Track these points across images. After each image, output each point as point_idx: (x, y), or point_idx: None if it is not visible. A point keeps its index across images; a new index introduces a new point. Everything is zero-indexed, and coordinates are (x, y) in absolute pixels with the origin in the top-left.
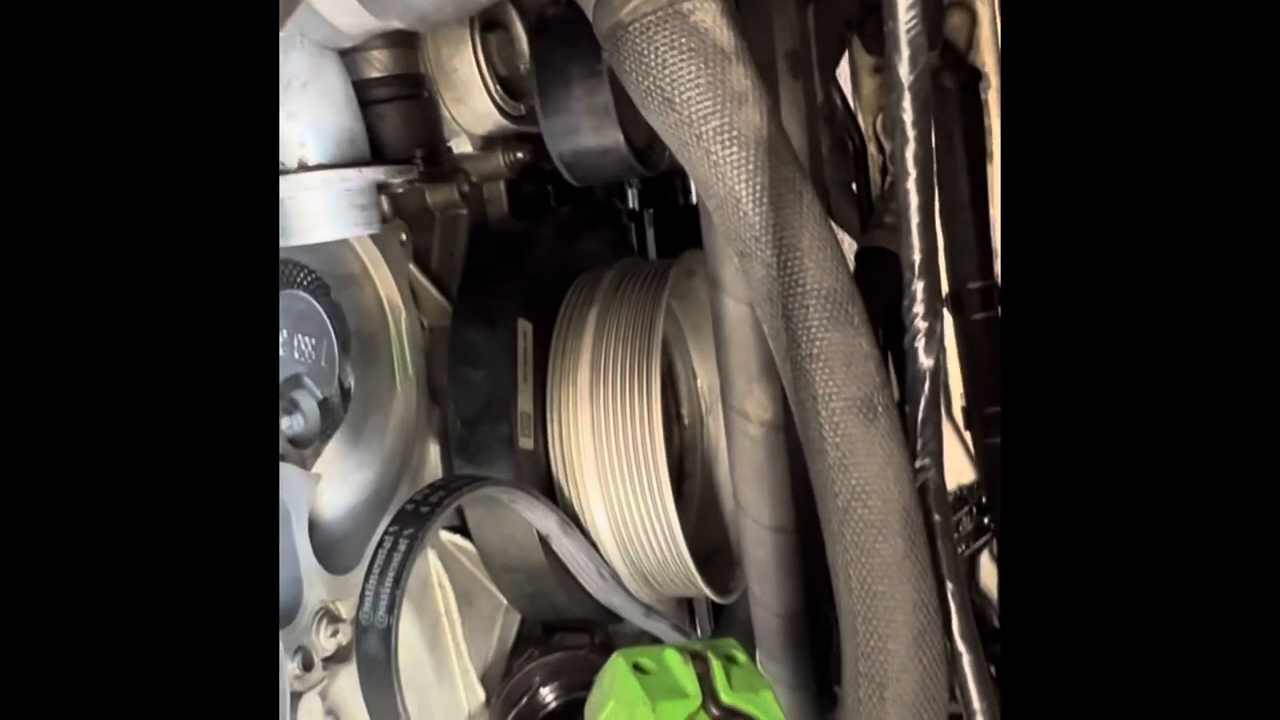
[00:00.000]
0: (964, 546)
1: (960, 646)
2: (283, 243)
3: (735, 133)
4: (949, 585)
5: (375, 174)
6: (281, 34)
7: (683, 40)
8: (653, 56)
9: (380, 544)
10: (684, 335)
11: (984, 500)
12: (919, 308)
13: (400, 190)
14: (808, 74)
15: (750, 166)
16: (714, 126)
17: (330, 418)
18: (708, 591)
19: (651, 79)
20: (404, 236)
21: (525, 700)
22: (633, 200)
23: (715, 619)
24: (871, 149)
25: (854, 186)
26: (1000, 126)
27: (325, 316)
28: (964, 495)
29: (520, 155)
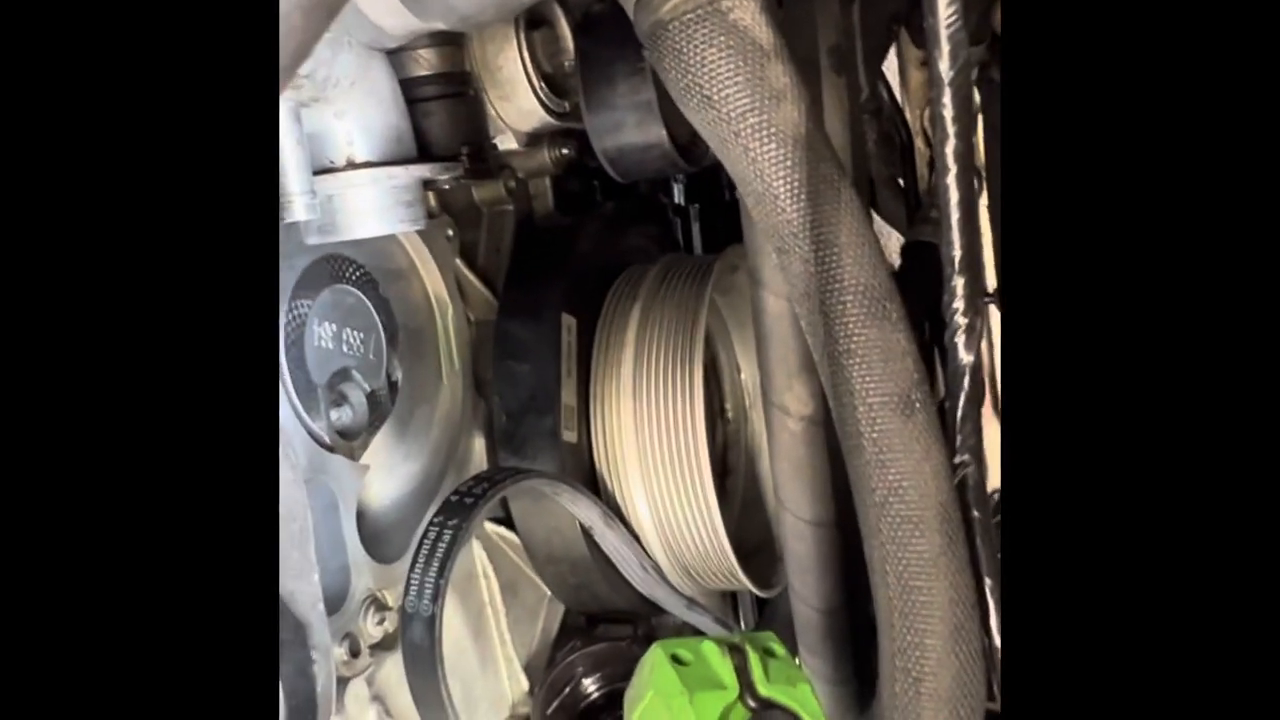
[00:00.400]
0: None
1: (998, 643)
2: (331, 239)
3: (773, 129)
4: (987, 582)
5: (421, 171)
6: (328, 35)
7: (721, 38)
8: (692, 54)
9: (425, 534)
10: (728, 330)
11: None
12: (959, 303)
13: (446, 187)
14: (851, 69)
15: (789, 163)
16: (752, 124)
17: (378, 410)
18: (749, 585)
19: (690, 76)
20: (450, 232)
21: (568, 690)
22: (678, 195)
23: (759, 612)
24: (919, 143)
25: (901, 181)
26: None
27: (373, 311)
28: None
29: (565, 151)
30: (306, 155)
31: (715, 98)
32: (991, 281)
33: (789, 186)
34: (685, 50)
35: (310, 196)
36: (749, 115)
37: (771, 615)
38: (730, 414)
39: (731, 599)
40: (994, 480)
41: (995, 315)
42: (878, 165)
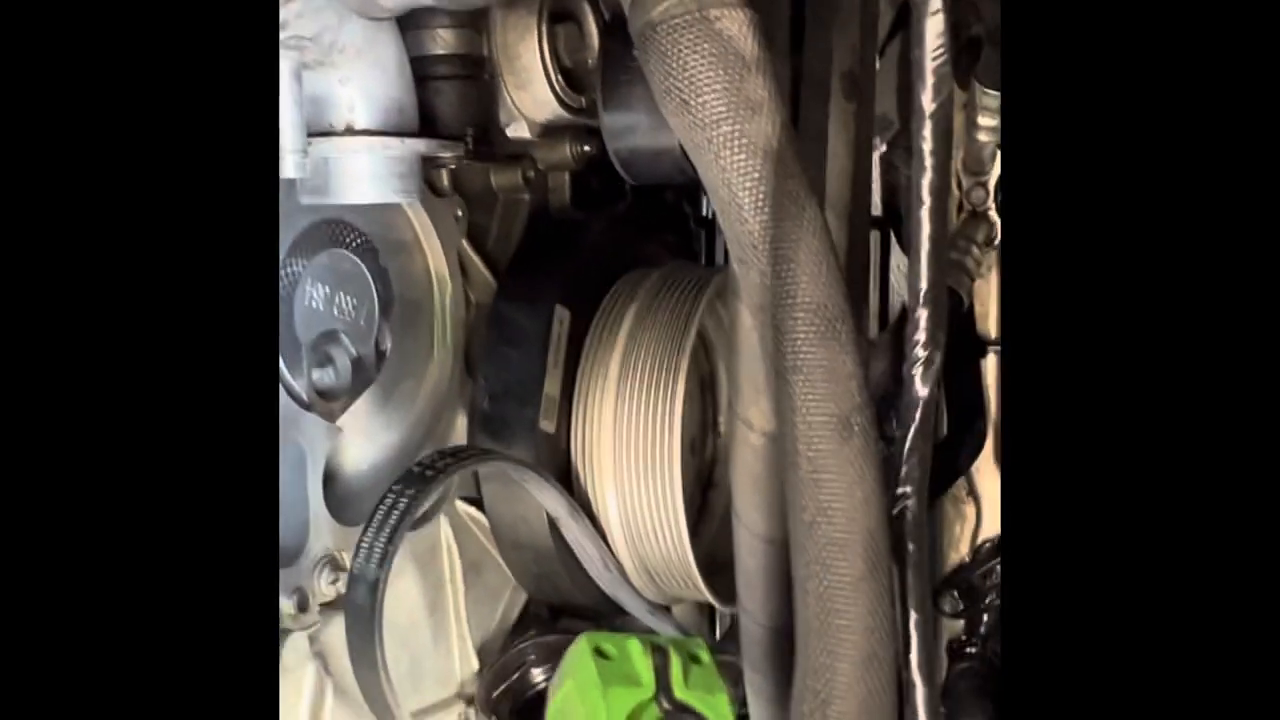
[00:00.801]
0: (994, 595)
1: (915, 677)
2: (323, 200)
3: (745, 140)
4: (914, 615)
5: (418, 145)
6: (337, 3)
7: (705, 45)
8: (675, 58)
9: (382, 500)
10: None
11: None
12: (920, 335)
13: (451, 165)
14: (864, 98)
15: (756, 175)
16: (725, 132)
17: (362, 375)
18: (709, 596)
19: (671, 80)
20: (460, 212)
21: (516, 676)
22: (706, 207)
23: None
24: (951, 184)
25: None
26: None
27: (370, 278)
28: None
29: (587, 149)
30: (302, 115)
31: (692, 103)
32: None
33: (753, 198)
34: (669, 53)
35: (301, 155)
36: (722, 124)
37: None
38: (722, 428)
39: (710, 611)
40: (987, 529)
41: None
42: (906, 201)
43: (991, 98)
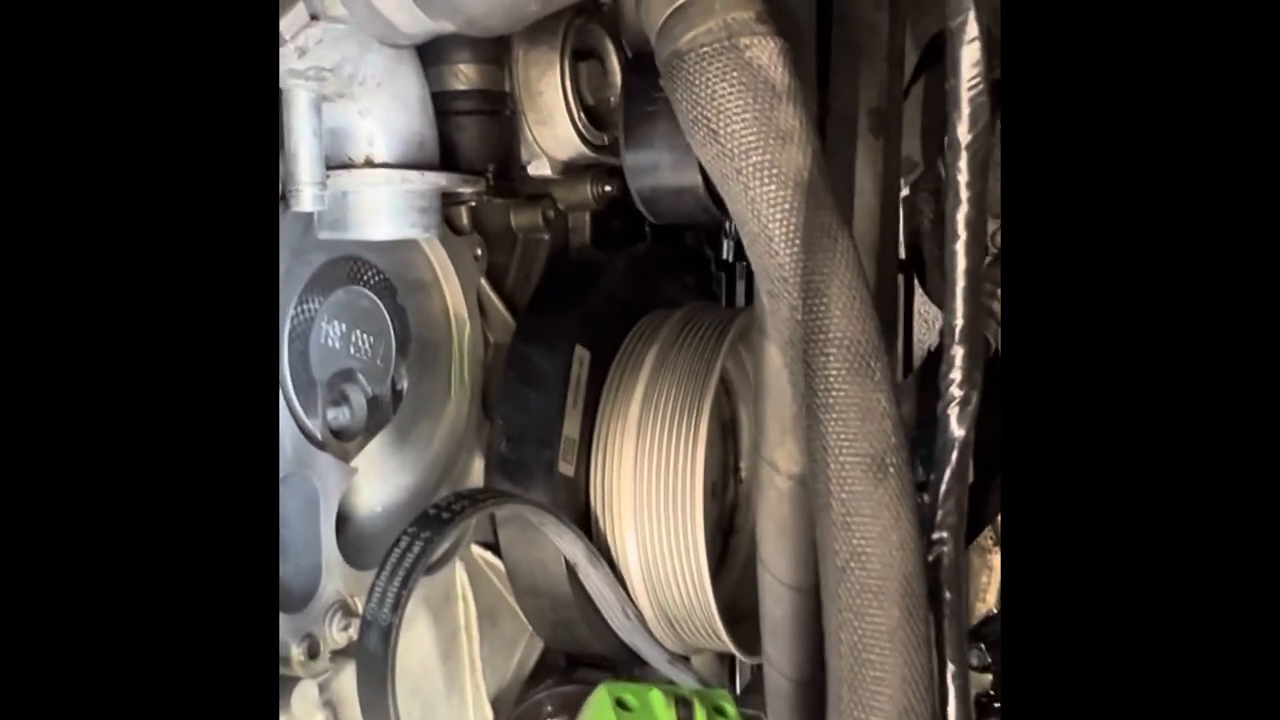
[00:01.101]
0: None
1: None
2: (342, 235)
3: (776, 170)
4: (950, 666)
5: (439, 179)
6: (357, 34)
7: (734, 74)
8: (703, 87)
9: (396, 543)
10: (751, 387)
11: None
12: (956, 374)
13: (471, 202)
14: (891, 135)
15: (786, 206)
16: (755, 162)
17: (378, 415)
18: (732, 647)
19: (700, 109)
20: (479, 251)
21: None
22: (727, 250)
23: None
24: None
25: None
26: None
27: (388, 316)
28: None
29: (608, 189)
30: (320, 147)
31: (721, 133)
32: None
33: (784, 230)
34: (697, 83)
35: (319, 188)
36: (752, 153)
37: (762, 682)
38: (745, 473)
39: (730, 662)
40: None
41: None
42: (931, 245)
43: None
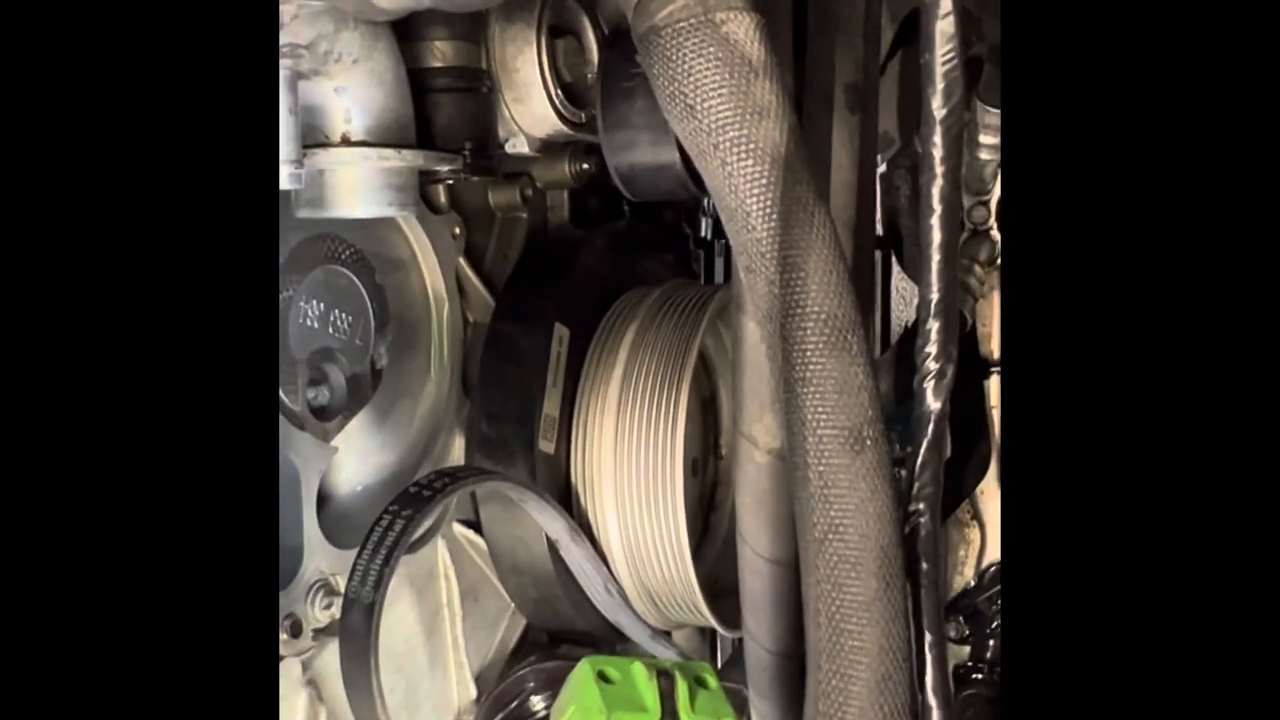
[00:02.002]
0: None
1: (931, 701)
2: (319, 213)
3: (752, 145)
4: (928, 636)
5: (415, 157)
6: (333, 10)
7: (711, 49)
8: (680, 62)
9: (378, 521)
10: (730, 363)
11: None
12: (932, 348)
13: (448, 180)
14: (868, 110)
15: (764, 181)
16: (731, 137)
17: (358, 394)
18: (713, 621)
19: (676, 84)
20: (457, 230)
21: (515, 704)
22: (705, 228)
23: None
24: None
25: None
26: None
27: (366, 295)
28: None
29: (586, 166)
30: (297, 125)
31: (698, 108)
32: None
33: (761, 205)
34: (674, 58)
35: (296, 166)
36: (729, 128)
37: (742, 656)
38: (724, 449)
39: (711, 637)
40: (992, 553)
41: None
42: (908, 221)
43: (993, 115)
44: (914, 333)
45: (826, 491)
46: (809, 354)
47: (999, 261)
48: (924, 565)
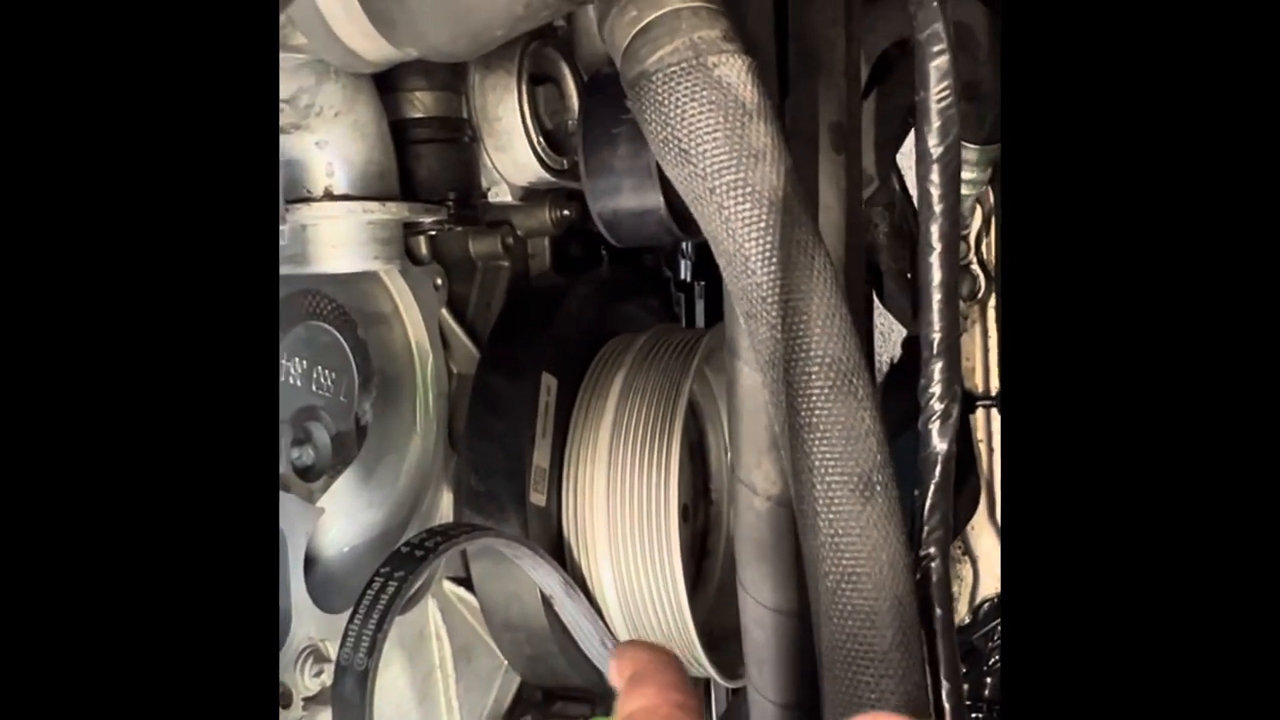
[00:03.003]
0: (996, 658)
1: None
2: (302, 269)
3: (749, 189)
4: (945, 685)
5: (400, 210)
6: (314, 64)
7: (704, 93)
8: (673, 107)
9: (370, 584)
10: (719, 409)
11: None
12: (936, 388)
13: (431, 231)
14: (853, 149)
15: (762, 224)
16: (728, 180)
17: (343, 453)
18: (712, 672)
19: (670, 129)
20: (439, 281)
21: None
22: (685, 271)
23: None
24: None
25: (910, 275)
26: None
27: (349, 351)
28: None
29: (567, 213)
30: (279, 180)
31: (693, 152)
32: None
33: (760, 248)
34: (666, 102)
35: (280, 222)
36: (725, 172)
37: (740, 707)
38: (715, 495)
39: (705, 686)
40: (985, 588)
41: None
42: (887, 258)
43: (969, 151)
44: (900, 370)
45: (837, 540)
46: (814, 399)
47: (980, 295)
48: (938, 611)
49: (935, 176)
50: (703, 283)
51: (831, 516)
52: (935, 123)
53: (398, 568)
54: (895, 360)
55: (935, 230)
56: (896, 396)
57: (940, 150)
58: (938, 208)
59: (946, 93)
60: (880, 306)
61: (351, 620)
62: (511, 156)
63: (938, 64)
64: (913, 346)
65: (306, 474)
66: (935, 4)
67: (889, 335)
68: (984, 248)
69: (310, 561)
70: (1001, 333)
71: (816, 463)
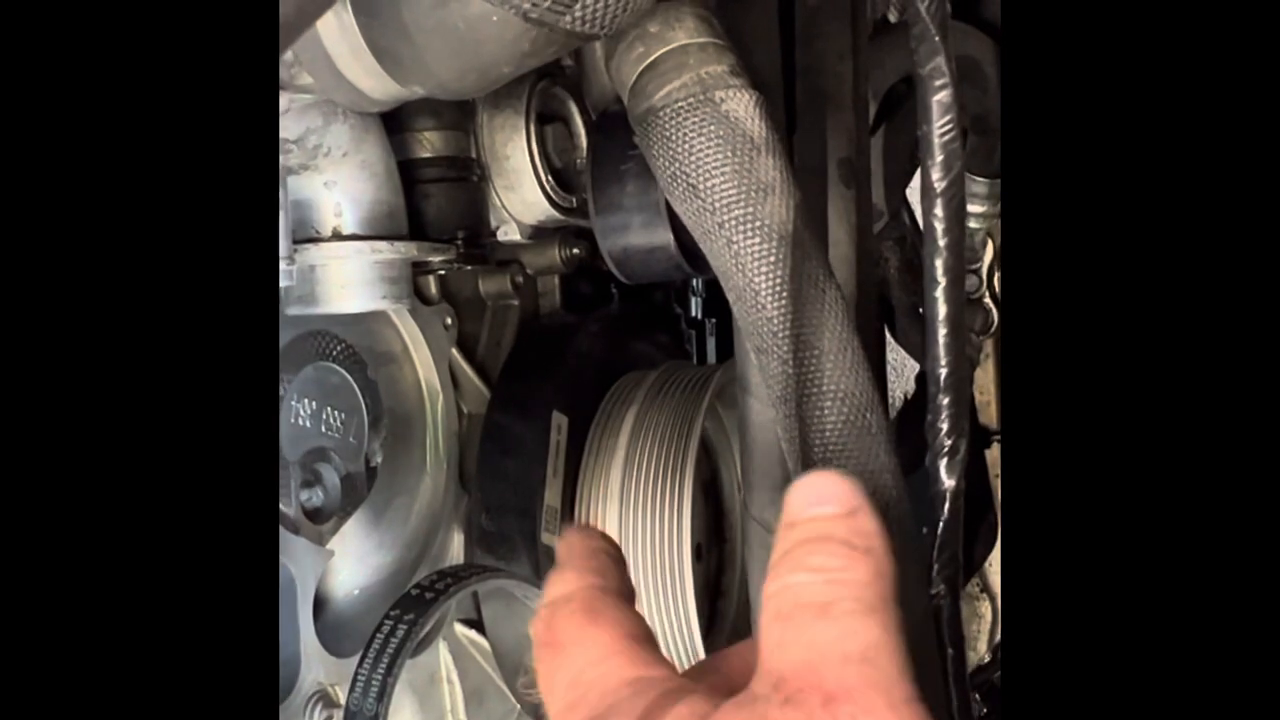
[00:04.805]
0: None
1: None
2: (311, 310)
3: (759, 223)
4: None
5: (409, 249)
6: (321, 105)
7: (711, 128)
8: (680, 142)
9: (379, 628)
10: (732, 446)
11: None
12: (943, 423)
13: (441, 271)
14: (862, 184)
15: (772, 259)
16: (737, 215)
17: (353, 494)
18: None
19: (678, 165)
20: (449, 320)
21: None
22: (695, 308)
23: None
24: None
25: (921, 309)
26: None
27: (358, 392)
28: None
29: (576, 251)
30: (288, 221)
31: (701, 187)
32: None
33: (771, 283)
34: (674, 138)
35: (288, 263)
36: (734, 207)
37: None
38: (728, 534)
39: None
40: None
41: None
42: (899, 293)
43: (979, 184)
44: (914, 405)
45: None
46: (828, 434)
47: (993, 329)
48: (950, 651)
49: (939, 210)
50: (714, 320)
51: None
52: (939, 157)
53: (407, 610)
54: (909, 395)
55: (940, 264)
56: (911, 432)
57: (944, 184)
58: (942, 241)
59: (949, 127)
60: (893, 341)
61: (361, 664)
62: (520, 195)
63: (940, 98)
64: (925, 381)
65: (316, 516)
66: (937, 39)
67: (901, 370)
68: (996, 281)
69: (320, 604)
70: (1000, 365)
71: None
